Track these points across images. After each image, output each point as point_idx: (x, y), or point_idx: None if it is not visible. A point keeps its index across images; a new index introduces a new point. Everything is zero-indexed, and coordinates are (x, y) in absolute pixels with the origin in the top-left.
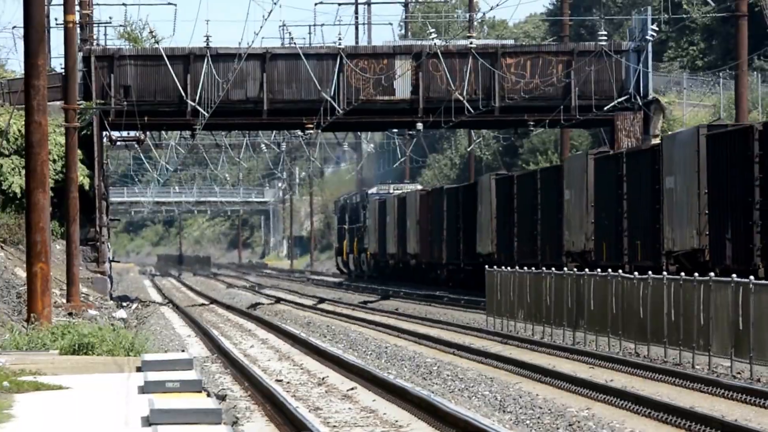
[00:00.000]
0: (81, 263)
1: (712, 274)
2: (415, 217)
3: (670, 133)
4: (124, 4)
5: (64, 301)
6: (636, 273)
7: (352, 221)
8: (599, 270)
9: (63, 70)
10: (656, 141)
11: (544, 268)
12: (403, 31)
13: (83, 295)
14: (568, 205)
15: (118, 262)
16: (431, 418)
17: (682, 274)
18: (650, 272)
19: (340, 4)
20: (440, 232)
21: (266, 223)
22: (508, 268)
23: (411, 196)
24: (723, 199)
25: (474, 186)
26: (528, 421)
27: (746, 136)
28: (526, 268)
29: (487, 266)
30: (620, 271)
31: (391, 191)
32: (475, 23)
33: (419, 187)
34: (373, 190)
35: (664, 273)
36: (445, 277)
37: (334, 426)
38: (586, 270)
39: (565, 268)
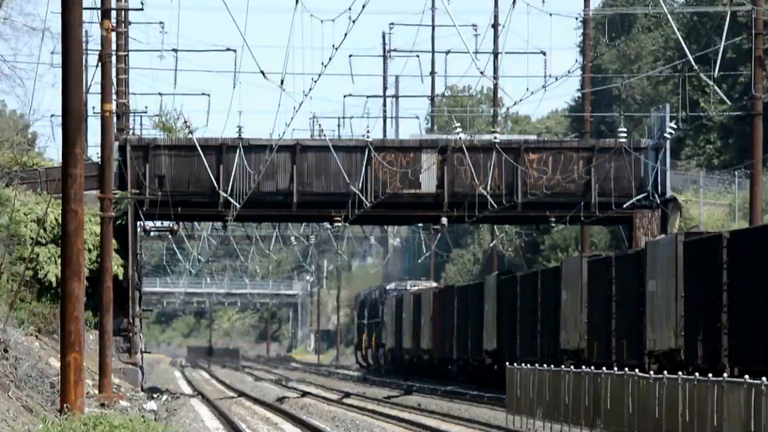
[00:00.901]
0: (113, 354)
1: (697, 373)
2: (429, 314)
3: (652, 239)
4: (159, 94)
5: (97, 391)
6: (626, 369)
7: (371, 316)
8: (593, 367)
9: (99, 159)
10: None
11: (545, 365)
12: (429, 125)
13: (115, 385)
14: (565, 305)
15: (150, 353)
16: None
17: (665, 372)
18: (636, 370)
19: (368, 97)
20: (451, 329)
21: (294, 316)
22: (525, 365)
23: (426, 293)
24: (697, 303)
25: (481, 285)
26: None
27: (716, 243)
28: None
29: (491, 361)
30: (606, 368)
31: (408, 288)
32: (499, 118)
33: (434, 284)
34: (391, 286)
35: (650, 372)
36: (455, 371)
37: None
38: (583, 367)
39: (563, 366)
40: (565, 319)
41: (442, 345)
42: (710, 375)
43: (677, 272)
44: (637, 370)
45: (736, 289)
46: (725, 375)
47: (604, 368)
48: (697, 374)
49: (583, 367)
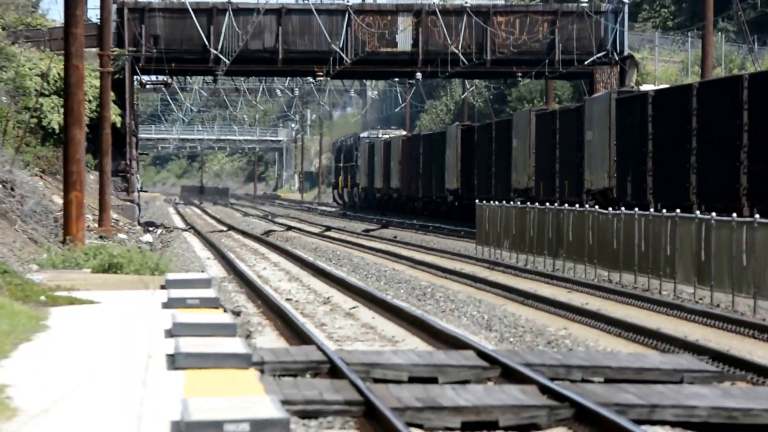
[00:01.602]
0: (112, 192)
1: (623, 208)
2: (398, 158)
3: (589, 97)
4: None
5: (97, 225)
6: (566, 205)
7: (346, 160)
8: (539, 204)
9: (99, 21)
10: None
11: (496, 202)
12: None
13: (114, 220)
14: (516, 152)
15: (146, 191)
16: (424, 334)
17: (596, 206)
18: (576, 206)
19: None
20: (417, 171)
21: (279, 160)
22: (546, 204)
23: (395, 140)
24: (626, 150)
25: (444, 134)
26: (511, 339)
27: (644, 100)
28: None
29: (453, 198)
30: (549, 204)
31: (380, 136)
32: None
33: (403, 132)
34: (365, 134)
35: (586, 206)
36: (420, 207)
37: (338, 340)
38: (546, 204)
39: (512, 202)
40: (515, 163)
41: (409, 185)
42: (636, 209)
43: (610, 124)
44: (577, 206)
45: (659, 138)
46: (651, 209)
47: (550, 203)
48: (623, 208)
49: (529, 203)
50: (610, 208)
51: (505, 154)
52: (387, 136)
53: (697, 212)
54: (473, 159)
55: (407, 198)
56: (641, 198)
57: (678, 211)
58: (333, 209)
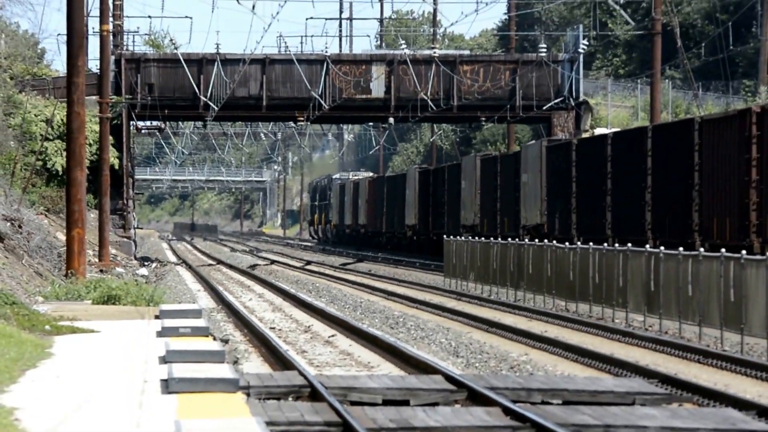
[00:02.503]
0: (111, 229)
1: (554, 241)
2: (365, 197)
3: (526, 143)
4: (149, 17)
5: (97, 260)
6: (508, 239)
7: (321, 199)
8: (483, 238)
9: (98, 71)
10: (586, 135)
11: (462, 237)
12: (378, 42)
13: (112, 255)
14: (464, 192)
15: (141, 228)
16: (397, 360)
17: (536, 240)
18: (516, 239)
19: (327, 19)
20: (382, 209)
21: (264, 199)
22: (457, 237)
23: (362, 181)
24: (555, 191)
25: (404, 176)
26: (477, 364)
27: (569, 147)
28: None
29: (411, 233)
30: (493, 239)
31: (350, 177)
32: (438, 36)
33: (370, 174)
34: (337, 175)
35: (525, 239)
36: (384, 241)
37: (318, 366)
38: (476, 237)
39: (462, 237)
40: (464, 202)
41: (374, 221)
42: (567, 243)
43: (542, 168)
44: (517, 240)
45: (581, 181)
46: (578, 242)
47: (494, 238)
48: (555, 242)
49: (476, 237)
50: (546, 240)
51: (455, 194)
52: (356, 177)
53: (617, 245)
54: (429, 198)
55: (373, 233)
56: (567, 233)
57: (605, 244)
58: (312, 244)
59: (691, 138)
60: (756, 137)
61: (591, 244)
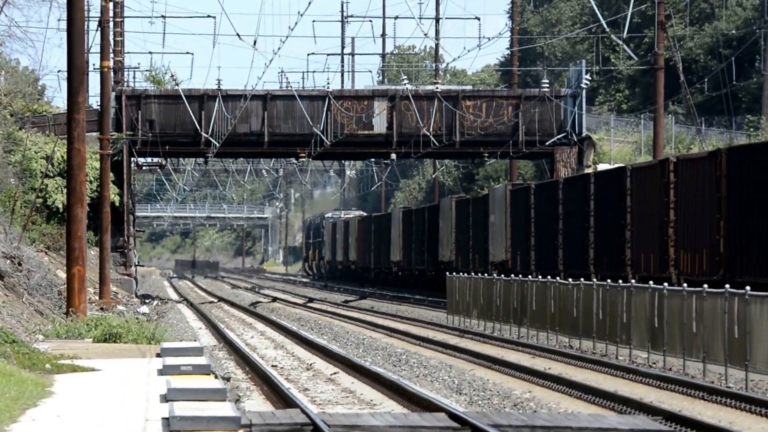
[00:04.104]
0: (111, 267)
1: (520, 275)
2: (355, 235)
3: (494, 187)
4: (150, 53)
5: (97, 298)
6: (478, 274)
7: (314, 237)
8: (471, 273)
9: (99, 107)
10: (589, 171)
11: (448, 273)
12: (380, 78)
13: (113, 293)
14: (442, 231)
15: (142, 266)
16: (400, 398)
17: (502, 275)
18: (485, 274)
19: (328, 55)
20: (370, 246)
21: (265, 235)
22: (463, 274)
23: (353, 220)
24: (518, 230)
25: (389, 215)
26: (480, 402)
27: (528, 191)
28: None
29: (396, 269)
30: (465, 273)
31: (341, 216)
32: (440, 71)
33: (360, 213)
34: (329, 214)
35: (493, 274)
36: (373, 276)
37: (320, 404)
38: (512, 276)
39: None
40: (441, 240)
41: (364, 258)
42: (529, 276)
43: (506, 210)
44: (486, 274)
45: (538, 221)
46: (539, 276)
47: (467, 273)
48: (521, 276)
49: (453, 273)
50: (512, 275)
51: (434, 232)
52: (347, 216)
53: (570, 279)
54: (411, 236)
55: (362, 269)
56: (527, 268)
57: (583, 279)
58: (315, 282)
59: (623, 184)
60: (673, 183)
61: (570, 279)
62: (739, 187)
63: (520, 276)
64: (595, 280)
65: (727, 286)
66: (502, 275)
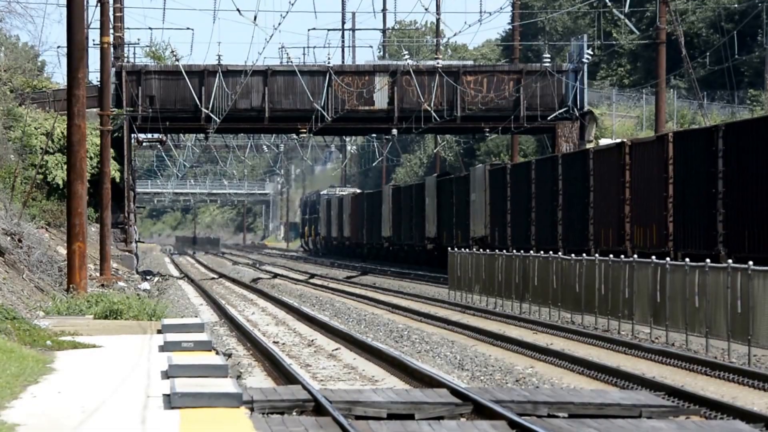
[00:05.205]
0: (112, 243)
1: (497, 250)
2: (349, 212)
3: (473, 167)
4: (150, 29)
5: (98, 274)
6: (464, 249)
7: (311, 213)
8: (464, 249)
9: (99, 83)
10: (590, 146)
11: (449, 248)
12: (381, 53)
13: (113, 269)
14: (428, 208)
15: (143, 242)
16: (402, 374)
17: (480, 249)
18: (465, 249)
19: (329, 30)
20: (362, 222)
21: (266, 212)
22: (461, 249)
23: (346, 197)
24: (496, 208)
25: (380, 193)
26: (482, 377)
27: (504, 171)
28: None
29: (387, 244)
30: (450, 248)
31: (336, 193)
32: (441, 47)
33: (354, 190)
34: (324, 191)
35: (474, 249)
36: (365, 252)
37: (321, 380)
38: (511, 251)
39: (428, 247)
40: (427, 217)
41: (357, 234)
42: (504, 251)
43: (486, 188)
44: (469, 249)
45: (514, 199)
46: (514, 251)
47: (451, 248)
48: (498, 250)
49: (438, 247)
50: (496, 250)
51: (421, 209)
52: (342, 193)
53: (541, 252)
54: (400, 212)
55: (356, 244)
56: (504, 243)
57: (584, 255)
58: (314, 257)
59: (587, 165)
60: (629, 165)
61: (573, 255)
62: (683, 168)
63: (496, 251)
64: (560, 253)
65: (730, 261)
66: (486, 250)
